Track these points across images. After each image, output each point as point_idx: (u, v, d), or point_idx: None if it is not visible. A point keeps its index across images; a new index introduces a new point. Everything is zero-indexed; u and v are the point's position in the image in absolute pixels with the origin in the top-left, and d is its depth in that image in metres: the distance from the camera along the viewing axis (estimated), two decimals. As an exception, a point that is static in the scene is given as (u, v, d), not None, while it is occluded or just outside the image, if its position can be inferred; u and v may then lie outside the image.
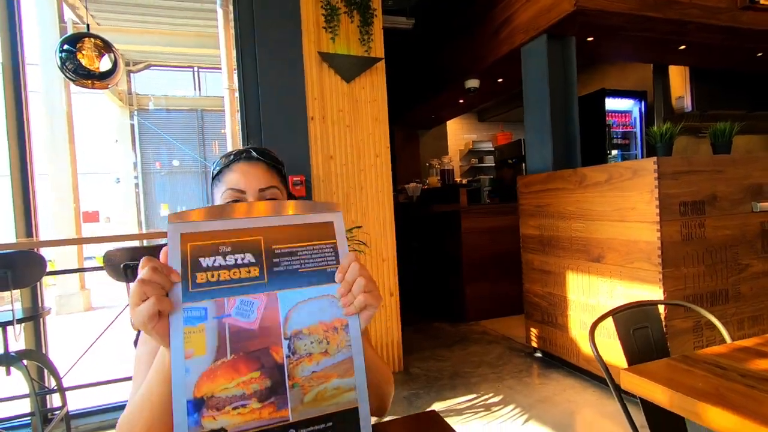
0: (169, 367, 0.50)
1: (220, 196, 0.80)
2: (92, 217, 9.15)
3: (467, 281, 3.85)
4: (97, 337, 2.56)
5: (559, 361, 2.81)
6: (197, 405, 0.49)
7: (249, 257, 0.54)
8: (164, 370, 0.55)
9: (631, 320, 1.17)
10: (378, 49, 2.82)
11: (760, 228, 2.30)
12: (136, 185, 8.93)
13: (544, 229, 2.81)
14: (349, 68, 2.72)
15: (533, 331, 2.98)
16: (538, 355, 3.00)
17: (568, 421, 2.15)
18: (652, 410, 1.10)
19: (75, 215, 5.54)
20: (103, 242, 2.30)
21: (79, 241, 2.71)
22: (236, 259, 0.54)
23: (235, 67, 2.70)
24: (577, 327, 2.59)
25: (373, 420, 0.59)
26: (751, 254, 2.27)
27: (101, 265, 2.17)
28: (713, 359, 0.95)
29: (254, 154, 0.83)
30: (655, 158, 2.06)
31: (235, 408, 0.51)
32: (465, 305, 3.88)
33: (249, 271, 0.54)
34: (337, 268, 0.57)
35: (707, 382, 0.84)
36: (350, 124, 2.78)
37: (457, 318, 3.95)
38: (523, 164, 5.04)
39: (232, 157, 0.82)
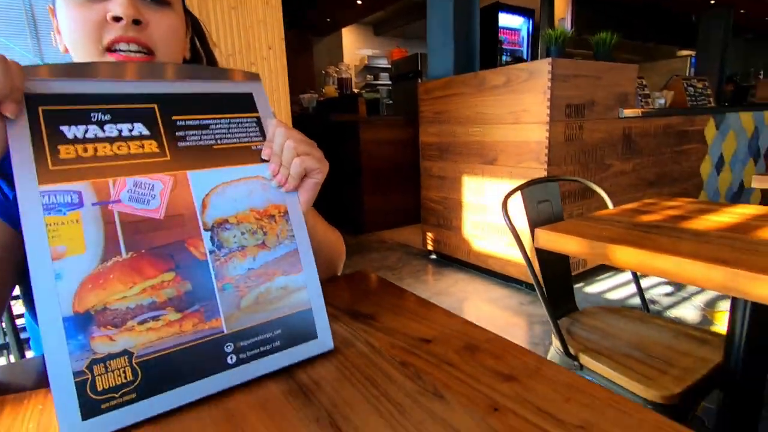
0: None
1: (66, 16, 0.52)
2: None
3: (366, 193, 3.85)
4: None
5: (451, 260, 3.03)
6: (81, 322, 0.35)
7: (140, 128, 0.42)
8: None
9: (536, 195, 1.22)
10: None
11: (623, 133, 2.62)
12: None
13: (443, 135, 2.85)
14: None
15: (429, 236, 3.14)
16: (433, 257, 3.20)
17: (461, 307, 2.36)
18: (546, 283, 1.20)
19: None
20: None
21: None
22: (120, 131, 0.41)
23: None
24: (470, 227, 2.77)
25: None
26: (614, 155, 2.60)
27: None
28: (609, 217, 1.03)
29: None
30: (550, 59, 2.14)
31: (142, 322, 0.37)
32: (363, 217, 3.91)
33: (142, 146, 0.41)
34: (263, 145, 0.47)
35: (611, 231, 0.90)
36: (236, 5, 2.36)
37: (357, 229, 3.98)
38: (419, 79, 5.00)
39: None
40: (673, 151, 3.04)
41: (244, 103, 0.48)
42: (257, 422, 0.35)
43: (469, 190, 2.73)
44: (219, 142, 0.45)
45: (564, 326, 1.17)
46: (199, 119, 0.45)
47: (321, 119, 4.28)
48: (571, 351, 1.05)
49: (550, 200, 1.26)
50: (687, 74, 7.50)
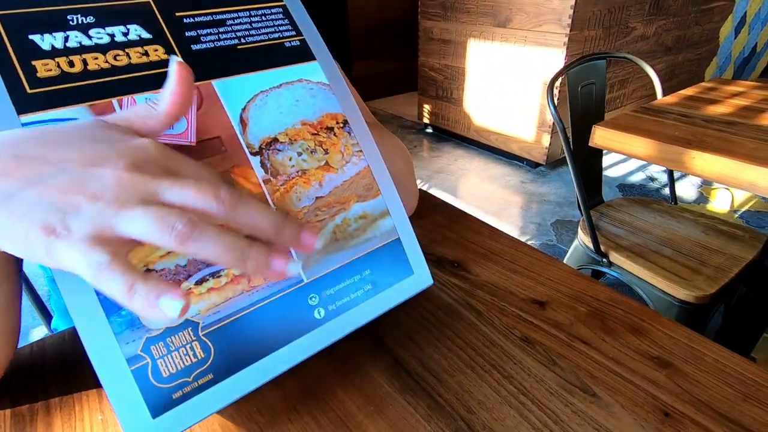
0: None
1: None
2: None
3: (355, 57, 3.47)
4: None
5: (449, 134, 2.89)
6: None
7: (138, 30, 0.30)
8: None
9: (581, 76, 1.06)
10: None
11: (654, -12, 2.29)
12: None
13: (448, -12, 2.44)
14: None
15: (426, 108, 2.93)
16: (429, 130, 3.05)
17: (463, 186, 2.33)
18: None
19: None
20: None
21: None
22: (112, 35, 0.29)
23: None
24: (473, 99, 2.58)
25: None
26: (639, 17, 2.31)
27: None
28: (671, 108, 0.91)
29: None
30: None
31: (200, 282, 0.28)
32: (353, 85, 3.59)
33: (146, 53, 0.30)
34: (299, 40, 0.37)
35: (682, 130, 0.79)
36: None
37: (344, 99, 3.70)
38: None
39: None
40: (700, 10, 2.74)
41: None
42: (364, 419, 0.28)
43: (474, 58, 2.46)
44: (243, 41, 0.34)
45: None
46: (211, 14, 0.34)
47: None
48: (601, 248, 1.03)
49: (595, 82, 1.11)
50: None
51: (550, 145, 2.27)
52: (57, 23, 0.28)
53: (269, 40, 0.35)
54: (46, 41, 0.27)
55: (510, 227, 1.93)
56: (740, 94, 0.99)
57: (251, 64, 0.34)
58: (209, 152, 0.30)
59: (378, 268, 0.35)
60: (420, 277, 0.37)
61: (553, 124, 2.19)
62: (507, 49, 2.27)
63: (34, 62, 0.27)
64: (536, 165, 2.46)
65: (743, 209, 2.01)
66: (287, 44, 0.36)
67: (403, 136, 2.98)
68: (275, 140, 0.33)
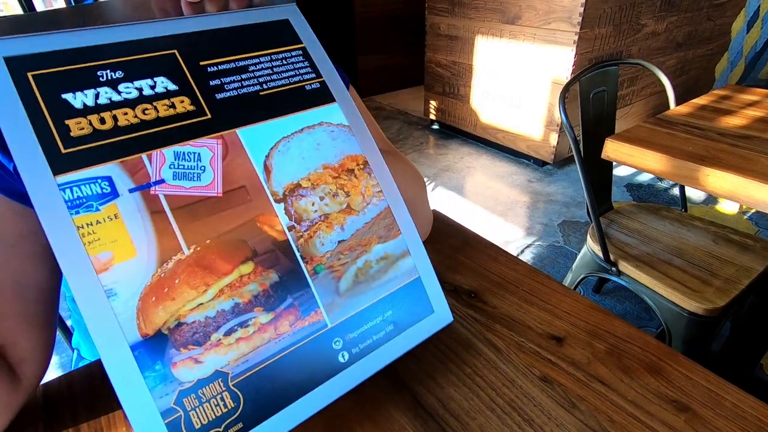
0: None
1: None
2: None
3: (360, 51, 3.44)
4: None
5: (455, 131, 2.88)
6: (154, 347, 0.27)
7: (165, 83, 0.31)
8: None
9: (593, 83, 1.06)
10: None
11: (666, -16, 2.25)
12: None
13: (456, -17, 2.41)
14: None
15: (432, 104, 2.92)
16: (435, 127, 3.03)
17: (469, 185, 2.32)
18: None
19: None
20: None
21: None
22: (140, 89, 0.30)
23: None
24: (480, 96, 2.56)
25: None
26: (650, 13, 2.28)
27: None
28: (685, 120, 0.91)
29: None
30: None
31: (229, 332, 0.29)
32: (357, 80, 3.57)
33: (172, 105, 0.31)
34: (319, 82, 0.37)
35: (695, 144, 0.79)
36: None
37: (350, 94, 3.68)
38: None
39: None
40: (712, 5, 2.69)
41: (282, 34, 0.37)
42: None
43: (482, 54, 2.44)
44: (265, 87, 0.35)
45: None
46: (234, 61, 0.34)
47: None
48: (611, 257, 1.03)
49: (606, 89, 1.10)
50: None
51: (557, 143, 2.26)
52: (88, 80, 0.28)
53: (290, 84, 0.36)
54: (78, 99, 0.28)
55: (516, 228, 1.93)
56: (755, 104, 0.98)
57: (274, 110, 0.34)
58: (235, 203, 0.31)
59: (399, 308, 0.36)
60: (440, 315, 0.37)
61: (561, 123, 2.17)
62: (515, 46, 2.24)
63: (67, 121, 0.27)
64: (543, 163, 2.45)
65: (752, 210, 2.00)
66: (308, 87, 0.36)
67: (409, 132, 2.97)
68: (298, 186, 0.33)
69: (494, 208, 2.09)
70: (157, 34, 0.32)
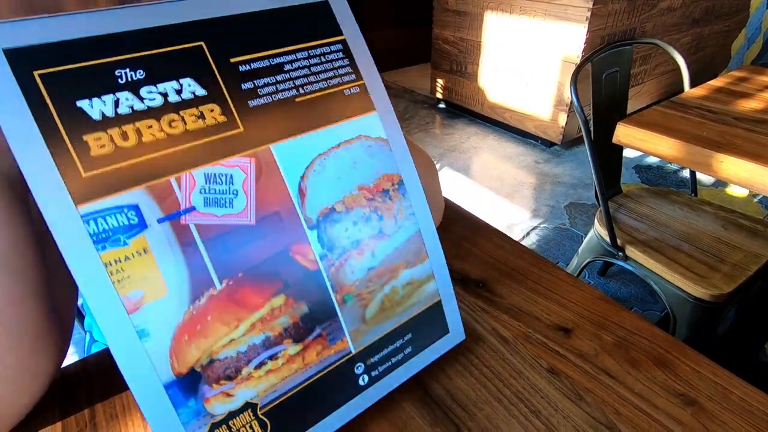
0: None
1: None
2: None
3: (365, 28, 3.36)
4: None
5: (462, 110, 2.84)
6: (187, 385, 0.26)
7: (192, 86, 0.26)
8: None
9: (606, 63, 1.03)
10: None
11: (685, -44, 2.16)
12: None
13: (466, -45, 2.33)
14: None
15: (439, 82, 2.86)
16: (442, 105, 2.99)
17: (476, 165, 2.30)
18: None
19: None
20: None
21: None
22: (165, 95, 0.26)
23: None
24: (488, 75, 2.51)
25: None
26: (667, -12, 2.20)
27: None
28: (699, 103, 0.88)
29: None
30: None
31: (260, 366, 0.28)
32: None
33: (201, 115, 0.27)
34: (359, 86, 0.32)
35: (710, 129, 0.77)
36: None
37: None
38: None
39: None
40: (731, -20, 2.59)
41: (320, 21, 0.31)
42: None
43: (491, 31, 2.37)
44: (301, 91, 0.30)
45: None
46: (268, 57, 0.29)
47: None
48: (618, 241, 1.03)
49: (619, 69, 1.07)
50: None
51: (566, 124, 2.22)
52: (105, 82, 0.24)
53: (328, 87, 0.31)
54: (95, 108, 0.24)
55: (523, 210, 1.92)
56: (773, 86, 0.95)
57: (311, 120, 0.30)
58: (268, 231, 0.28)
59: (418, 331, 0.35)
60: (454, 334, 0.37)
61: (570, 102, 2.13)
62: (525, 22, 2.18)
63: (86, 137, 0.24)
64: (551, 144, 2.42)
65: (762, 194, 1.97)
66: (346, 92, 0.32)
67: (416, 111, 2.92)
68: (332, 210, 0.31)
69: (500, 189, 2.07)
70: (182, 18, 0.27)
